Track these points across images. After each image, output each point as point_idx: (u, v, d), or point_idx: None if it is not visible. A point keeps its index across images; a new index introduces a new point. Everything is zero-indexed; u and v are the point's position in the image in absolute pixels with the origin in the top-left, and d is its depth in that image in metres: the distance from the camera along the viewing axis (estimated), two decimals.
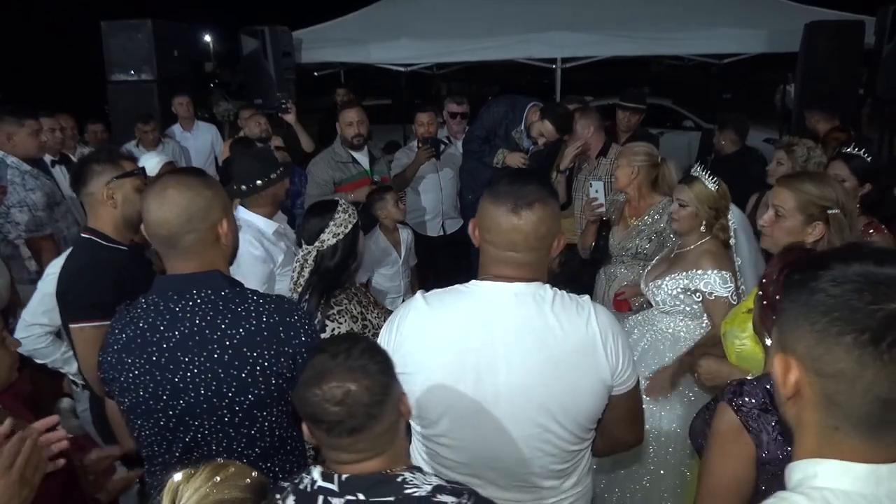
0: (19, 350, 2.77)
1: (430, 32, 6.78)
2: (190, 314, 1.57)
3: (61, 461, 1.42)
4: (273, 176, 2.95)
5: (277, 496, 1.32)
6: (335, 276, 2.40)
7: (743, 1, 6.94)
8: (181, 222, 1.57)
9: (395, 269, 4.05)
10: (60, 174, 4.35)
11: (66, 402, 3.94)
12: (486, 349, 1.50)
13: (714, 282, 2.59)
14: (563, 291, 1.60)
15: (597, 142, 4.19)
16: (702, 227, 2.68)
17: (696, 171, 2.72)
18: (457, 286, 1.63)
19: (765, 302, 1.65)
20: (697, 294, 2.63)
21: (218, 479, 0.96)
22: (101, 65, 6.61)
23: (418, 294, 1.64)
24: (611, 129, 5.39)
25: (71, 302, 2.29)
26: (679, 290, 2.66)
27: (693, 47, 6.68)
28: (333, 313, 2.33)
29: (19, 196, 3.75)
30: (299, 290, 2.39)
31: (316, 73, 8.50)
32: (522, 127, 4.49)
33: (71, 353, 2.80)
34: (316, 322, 2.26)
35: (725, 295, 2.56)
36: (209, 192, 1.62)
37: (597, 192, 3.45)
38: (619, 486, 2.68)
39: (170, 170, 3.86)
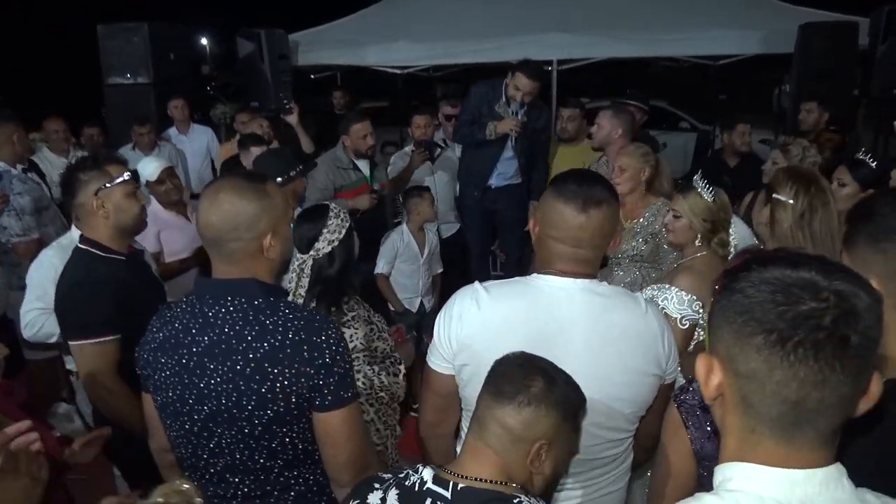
0: (29, 338, 2.80)
1: (426, 35, 6.78)
2: (221, 321, 1.56)
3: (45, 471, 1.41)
4: (292, 173, 3.04)
5: (377, 485, 1.31)
6: (339, 283, 2.33)
7: (738, 2, 6.96)
8: (226, 229, 1.56)
9: (416, 266, 4.15)
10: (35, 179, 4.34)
11: (62, 408, 3.95)
12: (555, 344, 1.54)
13: (670, 300, 2.43)
14: (619, 287, 1.69)
15: (622, 144, 4.07)
16: (697, 241, 2.56)
17: (697, 180, 2.60)
18: (518, 278, 1.68)
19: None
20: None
21: (160, 500, 0.97)
22: (97, 68, 6.60)
23: (477, 285, 1.67)
24: None
25: (69, 320, 2.26)
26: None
27: (688, 48, 6.69)
28: (348, 320, 2.28)
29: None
30: (300, 300, 2.31)
31: (313, 76, 8.47)
32: (504, 99, 4.46)
33: None
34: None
35: (675, 316, 2.39)
36: (261, 202, 1.59)
37: None
38: None
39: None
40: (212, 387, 1.55)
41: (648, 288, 2.61)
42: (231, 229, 1.56)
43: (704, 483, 1.44)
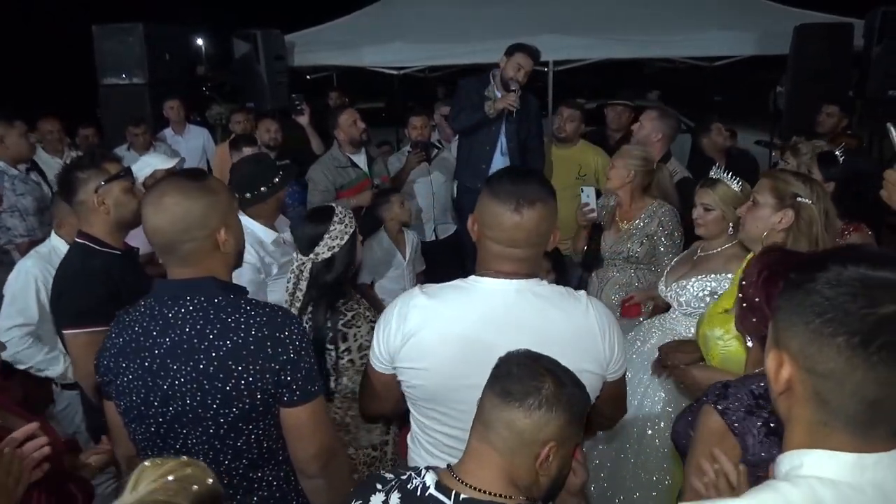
0: (4, 357, 2.79)
1: (422, 35, 6.78)
2: (181, 321, 1.55)
3: (40, 471, 1.40)
4: (276, 181, 2.93)
5: (379, 486, 1.29)
6: (335, 288, 2.30)
7: (733, 4, 6.98)
8: (177, 231, 1.55)
9: (400, 271, 4.08)
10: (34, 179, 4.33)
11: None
12: (492, 344, 1.52)
13: None
14: (559, 286, 1.68)
15: (659, 148, 3.95)
16: (729, 230, 2.64)
17: (717, 172, 2.68)
18: (456, 282, 1.68)
19: (744, 304, 1.66)
20: None
21: (171, 477, 0.93)
22: (92, 68, 6.59)
23: (416, 289, 1.68)
24: (602, 132, 5.38)
25: (64, 308, 2.29)
26: (706, 292, 2.61)
27: (684, 49, 6.70)
28: (349, 319, 2.24)
29: (10, 201, 3.76)
30: (297, 303, 2.29)
31: (309, 77, 8.46)
32: (492, 85, 4.44)
33: (53, 354, 2.80)
34: (335, 335, 2.21)
35: None
36: (207, 199, 1.58)
37: (588, 197, 3.45)
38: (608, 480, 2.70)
39: (170, 173, 3.84)
40: (176, 388, 1.54)
41: (697, 279, 2.62)
42: (183, 231, 1.54)
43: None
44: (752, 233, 2.24)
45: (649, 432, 2.63)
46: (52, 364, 2.80)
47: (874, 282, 0.86)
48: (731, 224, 2.62)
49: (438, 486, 1.25)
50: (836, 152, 3.02)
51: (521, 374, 1.27)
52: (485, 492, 1.23)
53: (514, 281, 1.60)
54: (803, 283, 0.92)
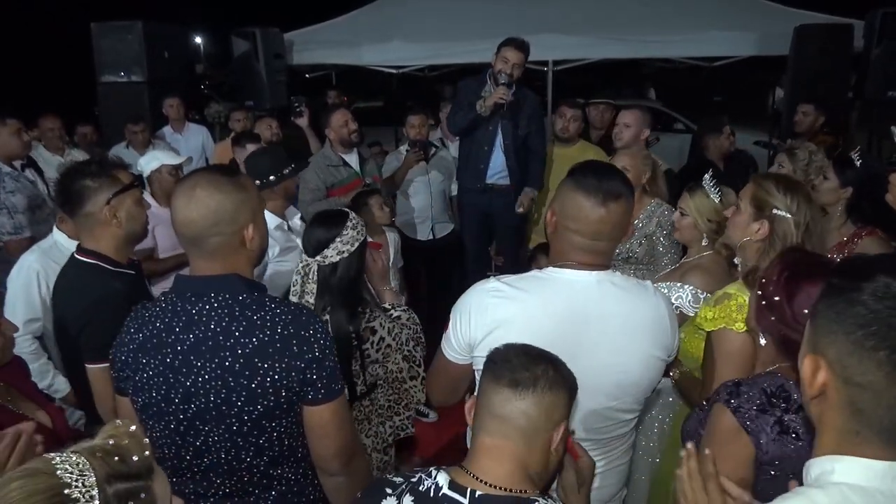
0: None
1: (421, 35, 6.78)
2: (206, 318, 1.54)
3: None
4: (286, 171, 3.02)
5: (389, 490, 1.27)
6: (348, 295, 2.25)
7: (733, 4, 6.97)
8: (207, 224, 1.54)
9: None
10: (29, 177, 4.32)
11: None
12: (574, 334, 1.58)
13: (685, 298, 2.46)
14: (631, 277, 1.75)
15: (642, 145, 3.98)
16: (703, 240, 2.59)
17: (706, 180, 2.61)
18: (532, 272, 1.73)
19: (763, 302, 1.66)
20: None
21: (111, 441, 0.88)
22: (91, 66, 6.58)
23: (492, 280, 1.71)
24: (584, 131, 5.36)
25: (88, 342, 2.08)
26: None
27: (683, 50, 6.70)
28: (368, 320, 2.24)
29: None
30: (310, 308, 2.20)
31: (307, 75, 8.46)
32: (489, 84, 4.42)
33: (46, 367, 2.76)
34: (360, 334, 2.21)
35: (691, 314, 2.38)
36: (239, 195, 1.58)
37: None
38: None
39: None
40: (199, 384, 1.53)
41: (662, 287, 2.60)
42: (212, 224, 1.54)
43: (767, 487, 1.41)
44: (731, 238, 2.20)
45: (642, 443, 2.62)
46: (42, 377, 2.75)
47: None
48: (704, 234, 2.56)
49: (452, 486, 1.24)
50: (853, 155, 2.92)
51: (524, 363, 1.28)
52: (501, 488, 1.22)
53: (595, 272, 1.65)
54: (846, 292, 0.90)
